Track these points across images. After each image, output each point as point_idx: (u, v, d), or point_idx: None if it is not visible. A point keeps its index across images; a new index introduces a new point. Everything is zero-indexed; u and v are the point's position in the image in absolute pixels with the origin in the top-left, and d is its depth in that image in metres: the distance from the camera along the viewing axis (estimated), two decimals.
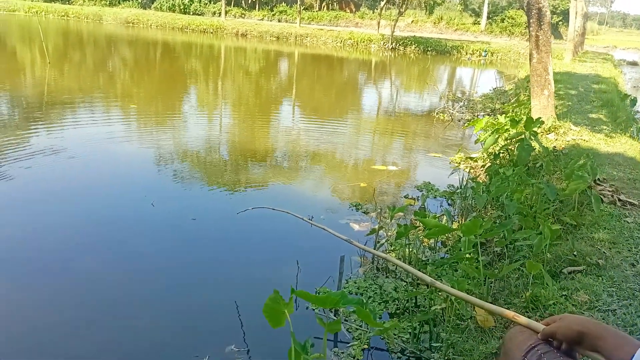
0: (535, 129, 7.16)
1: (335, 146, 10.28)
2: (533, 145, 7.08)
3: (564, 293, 3.53)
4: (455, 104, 14.84)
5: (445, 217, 5.71)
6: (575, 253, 4.13)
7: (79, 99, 12.75)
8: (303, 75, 22.92)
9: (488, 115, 13.21)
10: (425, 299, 4.57)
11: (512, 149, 7.45)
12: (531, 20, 8.31)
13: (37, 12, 44.56)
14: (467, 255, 4.36)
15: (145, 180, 7.58)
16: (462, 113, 13.82)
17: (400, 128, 12.17)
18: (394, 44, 35.41)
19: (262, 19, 49.78)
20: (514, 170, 6.77)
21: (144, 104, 13.03)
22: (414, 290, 4.78)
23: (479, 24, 54.58)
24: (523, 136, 7.22)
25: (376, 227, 5.58)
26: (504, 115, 8.97)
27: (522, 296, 3.71)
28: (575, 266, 3.98)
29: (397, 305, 4.55)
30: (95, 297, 4.49)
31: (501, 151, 7.51)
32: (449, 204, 7.21)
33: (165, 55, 25.91)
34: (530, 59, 8.66)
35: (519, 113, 9.26)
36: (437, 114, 13.56)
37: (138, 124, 10.94)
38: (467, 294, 3.33)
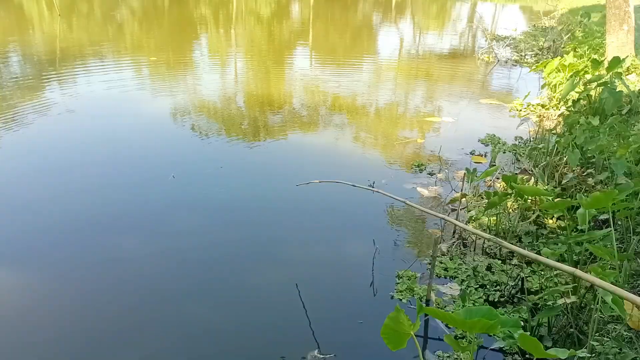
0: (619, 70, 6.22)
1: (379, 96, 9.38)
2: (620, 89, 6.14)
3: None
4: (497, 43, 13.66)
5: (537, 181, 4.90)
6: None
7: (92, 52, 11.88)
8: (329, 17, 21.58)
9: (536, 54, 12.14)
10: (534, 281, 3.85)
11: (593, 94, 6.50)
12: None
13: None
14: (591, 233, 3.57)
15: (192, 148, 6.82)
16: (507, 53, 12.69)
17: (444, 72, 11.15)
18: None
19: None
20: (601, 120, 5.88)
21: (161, 55, 12.11)
22: (513, 268, 4.05)
23: None
24: (607, 79, 6.28)
25: (457, 195, 4.80)
26: (571, 54, 7.96)
27: None
28: None
29: (500, 290, 3.82)
30: (153, 287, 3.84)
31: (580, 97, 6.56)
32: (518, 160, 6.36)
33: (177, 2, 24.60)
34: None
35: (587, 52, 8.20)
36: (480, 55, 12.46)
37: (158, 77, 10.09)
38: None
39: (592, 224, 4.38)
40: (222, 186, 5.57)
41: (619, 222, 4.14)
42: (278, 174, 6.00)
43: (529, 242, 4.37)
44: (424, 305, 2.47)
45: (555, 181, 5.31)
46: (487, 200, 4.33)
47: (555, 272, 3.83)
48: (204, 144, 6.75)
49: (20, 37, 13.76)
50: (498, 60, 11.90)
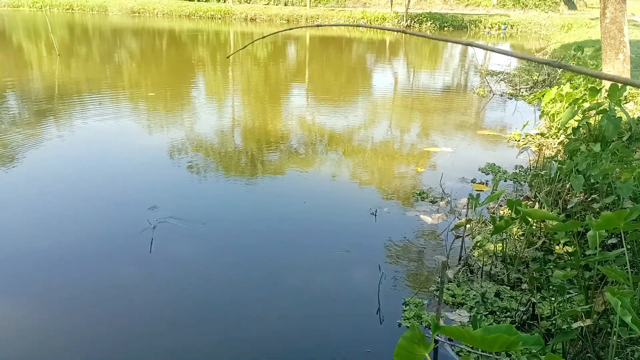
0: (620, 98, 6.24)
1: (377, 129, 9.40)
2: (619, 116, 6.15)
3: None
4: (491, 78, 13.82)
5: (543, 206, 4.83)
6: None
7: (90, 91, 11.93)
8: (324, 57, 21.91)
9: (531, 88, 12.29)
10: (544, 307, 3.72)
11: (592, 122, 6.52)
12: None
13: (41, 7, 43.67)
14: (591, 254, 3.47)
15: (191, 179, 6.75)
16: (502, 87, 12.82)
17: (440, 106, 11.21)
18: (408, 21, 34.16)
19: (268, 4, 48.54)
20: (602, 146, 5.86)
21: (157, 94, 12.17)
22: (522, 294, 3.93)
23: None
24: (605, 107, 6.29)
25: (461, 220, 4.71)
26: (567, 85, 8.03)
27: None
28: None
29: (510, 316, 3.70)
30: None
31: (580, 125, 6.56)
32: (519, 188, 6.31)
33: (174, 43, 25.00)
34: (601, 19, 7.68)
35: (584, 82, 8.27)
36: (475, 89, 12.58)
37: (155, 114, 10.10)
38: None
39: (599, 248, 4.30)
40: (219, 218, 5.48)
41: (629, 246, 4.05)
42: (278, 203, 5.91)
43: (536, 268, 4.27)
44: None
45: (559, 207, 5.25)
46: (492, 226, 4.25)
47: (567, 297, 3.72)
48: (198, 178, 6.69)
49: (19, 76, 13.85)
50: (493, 94, 12.01)
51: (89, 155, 7.44)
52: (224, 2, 46.14)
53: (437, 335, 3.41)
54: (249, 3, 48.07)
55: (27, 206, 5.56)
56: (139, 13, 40.48)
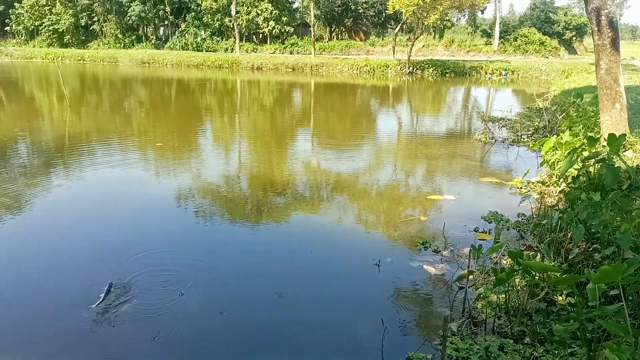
0: (618, 147, 6.35)
1: (380, 176, 9.53)
2: (618, 165, 6.24)
3: None
4: (493, 124, 14.03)
5: (543, 257, 4.87)
6: None
7: (101, 141, 12.20)
8: (329, 103, 22.34)
9: (532, 134, 12.45)
10: None
11: (592, 170, 6.61)
12: (597, 28, 7.55)
13: (53, 58, 45.06)
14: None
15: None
16: (503, 134, 13.01)
17: (443, 152, 11.37)
18: (411, 68, 34.91)
19: (274, 52, 49.83)
20: (602, 195, 5.93)
21: (165, 143, 12.43)
22: (525, 348, 3.93)
23: (491, 44, 54.07)
24: (604, 156, 6.39)
25: (464, 272, 4.75)
26: (567, 133, 8.16)
27: None
28: None
29: None
30: None
31: (580, 174, 6.66)
32: (522, 236, 6.34)
33: (182, 92, 25.60)
34: (597, 70, 7.88)
35: (583, 130, 8.42)
36: (477, 136, 12.77)
37: (163, 162, 10.30)
38: None
39: (602, 299, 4.31)
40: (223, 269, 5.53)
41: (630, 298, 4.07)
42: (280, 253, 5.98)
43: (538, 322, 4.27)
44: None
45: (562, 257, 5.28)
46: (494, 277, 4.29)
47: (570, 351, 3.72)
48: (203, 225, 6.79)
49: (30, 126, 14.20)
50: (495, 140, 12.18)
51: (95, 203, 7.57)
52: (232, 52, 47.40)
53: None
54: (255, 52, 49.39)
55: (31, 258, 5.65)
56: (148, 63, 41.58)
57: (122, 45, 53.02)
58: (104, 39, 55.50)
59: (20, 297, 4.83)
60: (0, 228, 6.52)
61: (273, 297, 4.89)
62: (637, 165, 6.80)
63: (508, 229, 6.56)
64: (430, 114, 19.16)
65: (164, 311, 4.52)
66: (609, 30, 7.53)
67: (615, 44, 7.67)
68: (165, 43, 53.50)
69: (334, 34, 60.37)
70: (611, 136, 6.30)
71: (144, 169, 9.85)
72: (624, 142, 7.50)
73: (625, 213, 5.22)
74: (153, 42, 54.76)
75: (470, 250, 4.82)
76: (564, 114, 12.35)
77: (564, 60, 41.09)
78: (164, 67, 40.03)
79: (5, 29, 58.99)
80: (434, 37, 57.74)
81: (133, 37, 54.68)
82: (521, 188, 8.28)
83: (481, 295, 4.67)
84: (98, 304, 4.45)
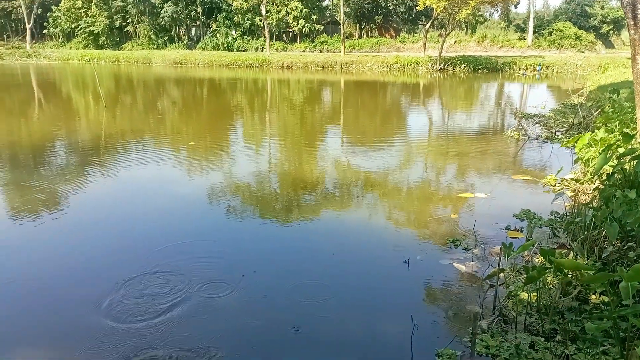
0: None
1: (411, 174, 9.53)
2: None
3: None
4: (526, 121, 13.81)
5: (576, 255, 4.81)
6: None
7: (136, 140, 12.50)
8: (359, 101, 22.34)
9: (567, 131, 12.22)
10: (578, 359, 3.69)
11: (627, 167, 6.46)
12: (633, 22, 7.37)
13: (89, 60, 46.23)
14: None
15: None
16: (537, 130, 12.80)
17: (475, 150, 11.27)
18: (442, 64, 34.57)
19: (303, 51, 50.01)
20: (637, 193, 5.80)
21: (197, 142, 12.65)
22: (557, 345, 3.90)
23: (525, 39, 53.07)
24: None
25: (494, 270, 4.73)
26: (602, 129, 8.00)
27: None
28: None
29: None
30: None
31: (615, 171, 6.53)
32: (555, 235, 6.26)
33: (214, 91, 25.98)
34: (632, 65, 7.68)
35: (618, 127, 8.23)
36: (510, 132, 12.60)
37: (196, 160, 10.50)
38: None
39: (637, 298, 4.24)
40: (254, 264, 5.63)
41: None
42: (311, 250, 6.05)
43: (571, 319, 4.23)
44: None
45: (595, 255, 5.20)
46: (525, 275, 4.26)
47: (602, 349, 3.68)
48: (234, 223, 6.92)
49: (68, 126, 14.65)
50: (528, 137, 12.00)
51: (131, 199, 7.80)
52: (262, 51, 47.79)
53: None
54: (285, 51, 49.67)
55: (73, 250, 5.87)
56: (181, 64, 42.27)
57: (155, 46, 54.03)
58: (137, 40, 56.67)
59: (61, 284, 5.03)
60: (41, 222, 6.79)
61: (304, 292, 4.96)
62: None
63: (540, 227, 6.48)
64: (462, 111, 18.97)
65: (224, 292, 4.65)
66: None
67: None
68: (197, 43, 54.28)
69: (363, 32, 60.22)
70: None
71: (177, 168, 10.07)
72: None
73: None
74: (185, 42, 55.64)
75: (501, 248, 4.80)
76: (599, 110, 12.08)
77: (600, 55, 40.05)
78: (195, 67, 40.65)
79: (44, 31, 60.79)
80: (466, 33, 57.01)
81: (166, 38, 55.67)
82: (554, 186, 8.16)
83: (512, 293, 4.64)
84: None
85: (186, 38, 56.97)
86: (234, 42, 51.85)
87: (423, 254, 5.79)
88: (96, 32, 55.89)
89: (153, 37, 55.48)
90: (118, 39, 58.07)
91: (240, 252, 5.99)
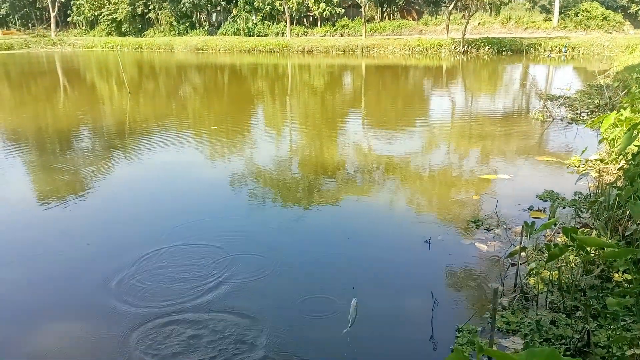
0: None
1: (434, 156, 9.51)
2: None
3: None
4: (551, 102, 13.60)
5: (599, 234, 4.79)
6: None
7: (160, 126, 12.68)
8: (380, 85, 22.23)
9: (592, 112, 12.02)
10: (598, 335, 3.70)
11: None
12: None
13: (112, 47, 46.73)
14: None
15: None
16: (562, 112, 12.61)
17: (498, 132, 11.16)
18: (465, 46, 34.08)
19: (324, 35, 49.71)
20: None
21: (221, 125, 12.78)
22: (578, 321, 3.92)
23: (551, 20, 51.81)
24: None
25: (516, 248, 4.74)
26: (628, 109, 7.87)
27: None
28: None
29: (566, 344, 3.71)
30: None
31: None
32: (579, 215, 6.21)
33: (235, 77, 26.08)
34: None
35: None
36: (534, 114, 12.44)
37: (218, 145, 10.64)
38: None
39: None
40: (272, 249, 5.73)
41: None
42: (335, 231, 6.13)
43: (593, 296, 4.24)
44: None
45: (619, 234, 5.17)
46: (547, 254, 4.27)
47: (624, 324, 3.69)
48: (256, 206, 7.03)
49: (93, 112, 14.92)
50: (553, 119, 11.84)
51: (156, 183, 7.97)
52: (282, 36, 47.68)
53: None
54: (306, 35, 49.44)
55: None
56: (202, 50, 42.46)
57: (177, 32, 54.23)
58: (159, 27, 56.96)
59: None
60: (71, 201, 7.00)
61: (330, 268, 5.08)
62: None
63: (564, 208, 6.44)
64: (485, 93, 18.74)
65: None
66: None
67: None
68: (218, 29, 54.34)
69: (385, 15, 59.50)
70: None
71: (199, 151, 10.23)
72: None
73: None
74: (206, 28, 55.74)
75: (522, 227, 4.80)
76: (626, 91, 11.84)
77: (629, 35, 38.99)
78: (217, 53, 40.79)
79: (67, 19, 61.52)
80: (490, 15, 55.85)
81: (187, 24, 55.82)
82: (579, 167, 8.07)
83: (533, 272, 4.66)
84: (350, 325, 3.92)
85: (207, 24, 57.07)
86: (255, 27, 51.75)
87: (444, 235, 5.82)
88: (119, 19, 56.31)
89: (174, 23, 55.70)
90: (140, 26, 58.44)
91: (263, 231, 6.09)
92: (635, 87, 10.85)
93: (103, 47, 47.77)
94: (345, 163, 9.05)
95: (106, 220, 6.55)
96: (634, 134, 6.43)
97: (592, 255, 4.72)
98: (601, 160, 7.73)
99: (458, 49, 34.18)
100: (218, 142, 11.02)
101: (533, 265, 4.69)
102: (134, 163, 9.33)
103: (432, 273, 5.02)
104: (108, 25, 57.36)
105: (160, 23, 57.21)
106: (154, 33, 55.92)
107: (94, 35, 57.25)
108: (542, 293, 4.40)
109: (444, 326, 4.05)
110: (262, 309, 4.38)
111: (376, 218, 6.54)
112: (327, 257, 5.40)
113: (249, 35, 49.86)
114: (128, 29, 57.26)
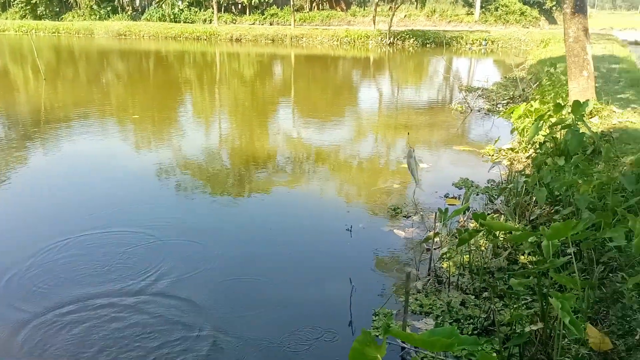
0: (582, 113, 6.56)
1: (358, 146, 9.69)
2: (582, 131, 6.45)
3: None
4: (470, 94, 14.19)
5: (505, 218, 5.08)
6: None
7: (79, 114, 12.10)
8: (309, 75, 22.27)
9: (507, 103, 12.65)
10: (504, 315, 3.95)
11: (558, 136, 6.82)
12: None
13: (27, 31, 43.93)
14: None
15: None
16: (479, 103, 13.19)
17: (420, 122, 11.52)
18: (392, 38, 34.76)
19: (253, 23, 49.11)
20: (566, 160, 6.15)
21: (144, 114, 12.39)
22: (485, 302, 4.16)
23: (473, 14, 53.85)
24: (569, 122, 6.61)
25: (430, 234, 4.95)
26: (537, 101, 8.35)
27: None
28: None
29: (473, 323, 3.92)
30: None
31: (546, 140, 6.87)
32: (491, 201, 6.57)
33: (160, 64, 25.28)
34: (565, 38, 8.04)
35: (552, 98, 8.62)
36: (454, 105, 12.93)
37: (140, 135, 10.31)
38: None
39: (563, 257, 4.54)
40: (197, 239, 5.67)
41: (584, 254, 4.31)
42: (255, 222, 6.13)
43: (500, 277, 4.51)
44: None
45: (526, 219, 5.51)
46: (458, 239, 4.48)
47: (525, 303, 3.96)
48: (176, 197, 6.91)
49: (5, 100, 14.01)
50: (471, 110, 12.36)
51: (69, 172, 7.63)
52: (210, 23, 46.70)
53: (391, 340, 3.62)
54: (234, 23, 48.66)
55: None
56: (125, 35, 40.79)
57: (98, 16, 51.73)
58: (78, 11, 54.07)
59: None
60: None
61: (249, 258, 5.09)
62: (602, 131, 7.02)
63: (477, 195, 6.77)
64: (410, 85, 19.25)
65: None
66: (577, 0, 7.67)
67: (583, 13, 7.82)
68: (142, 14, 52.37)
69: (314, 4, 59.58)
70: (575, 103, 6.51)
71: (121, 141, 9.87)
72: (591, 109, 7.74)
73: (586, 176, 5.45)
74: (129, 13, 53.56)
75: (436, 213, 5.01)
76: (537, 83, 12.56)
77: (543, 30, 41.26)
78: (140, 39, 39.31)
79: None
80: (416, 7, 57.30)
81: (108, 9, 53.35)
82: (493, 155, 8.49)
83: (445, 256, 4.88)
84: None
85: (130, 9, 54.83)
86: (181, 13, 50.26)
87: (365, 222, 5.97)
88: (34, 1, 52.97)
89: (95, 7, 53.08)
90: (57, 9, 55.22)
91: (178, 222, 6.00)
92: (546, 79, 11.52)
93: (17, 31, 44.83)
94: (273, 152, 9.05)
95: (13, 212, 6.21)
96: (540, 125, 6.86)
97: (501, 239, 5.00)
98: (512, 149, 8.18)
99: (385, 41, 34.80)
100: (141, 131, 10.68)
101: (445, 250, 4.91)
102: (46, 153, 8.87)
103: (352, 260, 5.15)
104: (22, 7, 53.84)
105: (80, 6, 54.35)
106: (73, 17, 53.07)
107: (6, 18, 53.55)
108: (454, 276, 4.63)
109: (362, 311, 4.17)
110: (187, 292, 4.33)
111: (301, 207, 6.62)
112: (249, 246, 5.42)
113: (175, 22, 48.38)
114: (44, 12, 54.01)
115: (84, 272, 4.76)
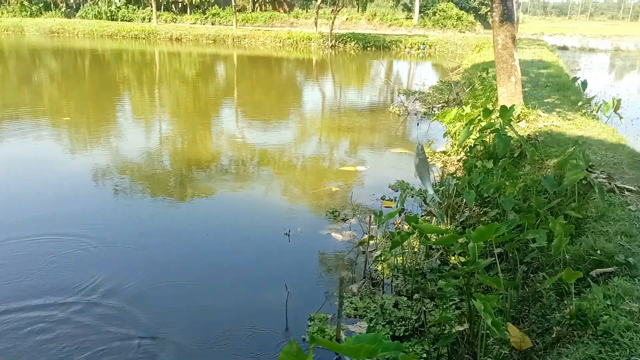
0: (509, 117, 6.86)
1: (298, 149, 9.72)
2: (509, 135, 6.76)
3: (607, 302, 3.10)
4: (408, 97, 14.54)
5: (437, 220, 5.25)
6: (599, 251, 3.73)
7: (5, 115, 11.52)
8: (253, 76, 22.11)
9: (442, 107, 13.04)
10: (434, 315, 4.08)
11: (488, 140, 7.11)
12: (494, 5, 8.01)
13: None
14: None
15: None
16: (416, 106, 13.54)
17: (358, 126, 11.70)
18: (333, 41, 35.07)
19: (194, 23, 48.27)
20: (494, 163, 6.43)
21: (76, 117, 11.94)
22: (417, 303, 4.28)
23: (412, 18, 55.16)
24: (498, 126, 6.91)
25: (365, 237, 5.05)
26: (469, 105, 8.67)
27: (563, 311, 3.26)
28: (604, 267, 3.57)
29: (405, 325, 4.04)
30: None
31: (476, 143, 7.16)
32: (426, 203, 6.77)
33: (96, 64, 24.41)
34: (494, 45, 8.38)
35: (483, 102, 8.97)
36: (392, 108, 13.21)
37: (72, 138, 9.94)
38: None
39: (489, 259, 4.74)
40: (132, 245, 5.54)
41: (509, 255, 4.52)
42: (193, 226, 6.06)
43: (432, 278, 4.66)
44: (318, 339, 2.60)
45: (457, 221, 5.71)
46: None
47: (453, 304, 4.11)
48: (121, 201, 6.73)
49: None
50: (409, 113, 12.66)
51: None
52: (149, 21, 45.55)
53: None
54: (174, 22, 47.66)
55: None
56: (57, 33, 39.17)
57: (29, 13, 49.42)
58: (7, 7, 51.41)
59: None
60: None
61: (185, 263, 5.03)
62: (528, 134, 7.36)
63: (412, 197, 6.96)
64: (350, 87, 19.49)
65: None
66: (504, 8, 8.02)
67: (510, 22, 8.18)
68: (77, 11, 50.44)
69: (257, 5, 59.28)
70: (503, 108, 6.80)
71: (52, 144, 9.47)
72: (518, 114, 8.11)
73: (512, 178, 5.71)
74: (63, 10, 51.48)
75: (369, 217, 5.12)
76: (470, 87, 13.02)
77: (479, 35, 42.72)
78: (75, 37, 37.84)
79: None
80: (357, 11, 58.09)
81: (41, 5, 51.07)
82: (428, 158, 8.74)
83: (379, 258, 4.99)
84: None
85: (64, 5, 52.70)
86: (118, 11, 48.73)
87: (304, 226, 6.01)
88: None
89: (26, 3, 50.63)
90: None
91: (114, 227, 5.84)
92: (478, 84, 11.96)
93: None
94: (215, 154, 8.95)
95: None
96: (470, 129, 7.13)
97: (433, 241, 5.16)
98: (445, 152, 8.45)
99: (326, 43, 35.08)
100: (76, 134, 10.28)
101: (378, 252, 5.03)
102: None
103: (289, 264, 5.18)
104: None
105: (9, 2, 51.73)
106: (2, 13, 50.45)
107: None
108: (388, 278, 4.75)
109: (298, 316, 4.21)
110: (118, 299, 4.22)
111: (241, 210, 6.59)
112: (185, 250, 5.35)
113: (112, 20, 46.88)
114: None
115: (8, 281, 4.55)
